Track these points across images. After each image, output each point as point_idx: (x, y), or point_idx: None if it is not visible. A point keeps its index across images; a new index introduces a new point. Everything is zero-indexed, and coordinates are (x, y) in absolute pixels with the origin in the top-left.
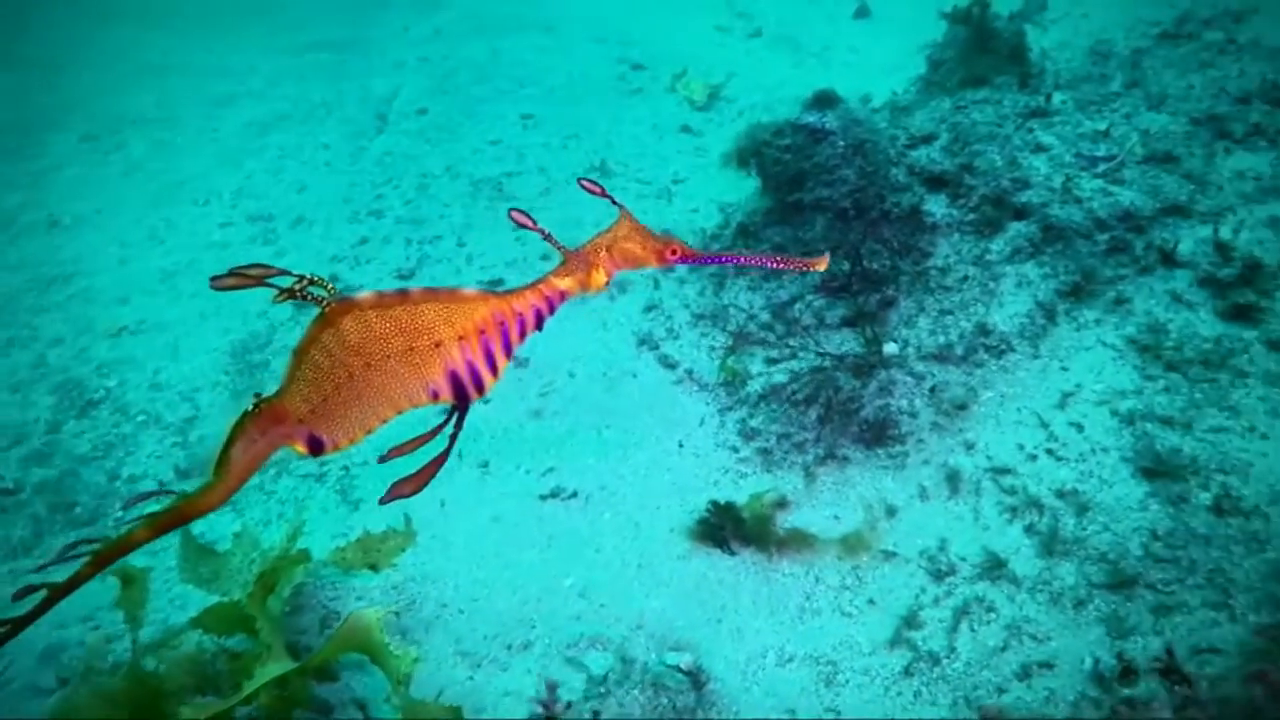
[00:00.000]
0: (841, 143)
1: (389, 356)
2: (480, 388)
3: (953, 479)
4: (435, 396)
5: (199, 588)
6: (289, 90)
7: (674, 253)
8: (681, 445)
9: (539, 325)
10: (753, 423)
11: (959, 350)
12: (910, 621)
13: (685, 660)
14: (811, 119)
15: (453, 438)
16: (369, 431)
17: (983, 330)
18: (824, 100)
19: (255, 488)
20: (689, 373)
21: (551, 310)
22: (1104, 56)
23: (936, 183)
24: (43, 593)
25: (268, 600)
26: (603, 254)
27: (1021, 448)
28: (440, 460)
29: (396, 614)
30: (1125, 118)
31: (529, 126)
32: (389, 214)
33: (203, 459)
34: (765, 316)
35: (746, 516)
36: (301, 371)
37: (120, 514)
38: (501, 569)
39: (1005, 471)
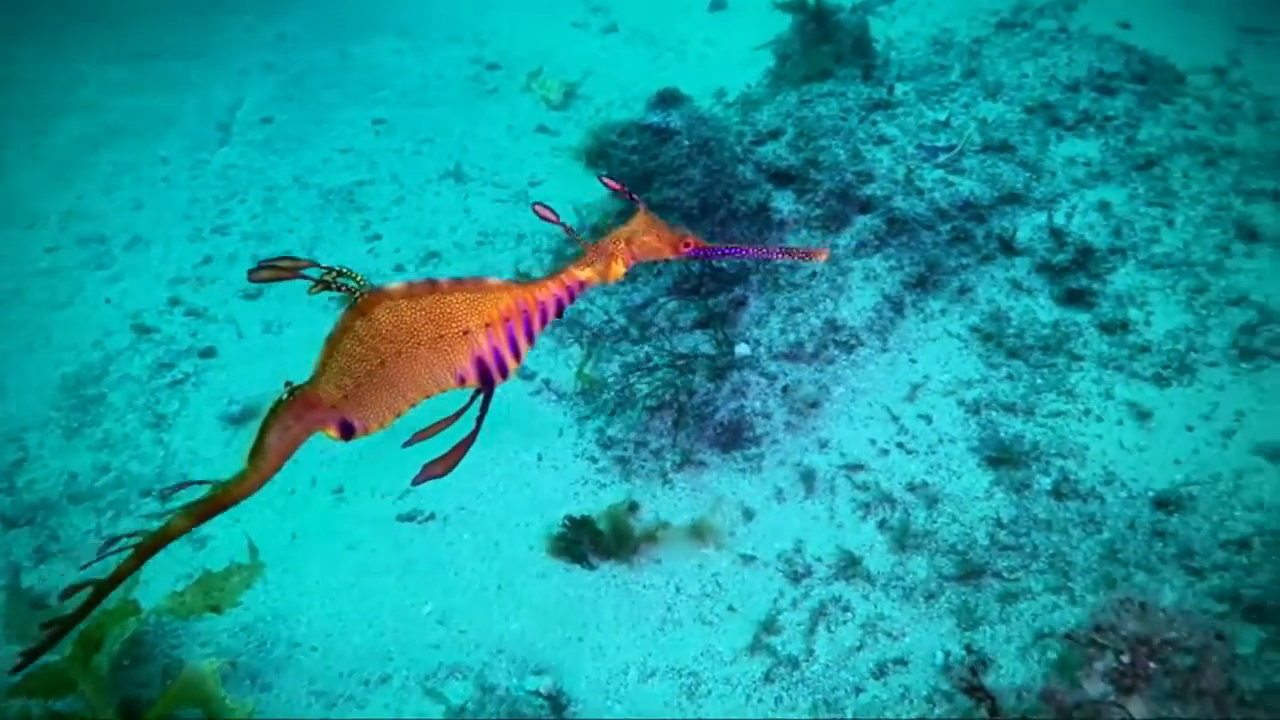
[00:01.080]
0: (686, 142)
1: (419, 344)
2: (504, 372)
3: (808, 478)
4: (462, 381)
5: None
6: (123, 101)
7: (688, 245)
8: (540, 458)
9: (559, 313)
10: (610, 431)
11: (809, 348)
12: (769, 626)
13: (545, 684)
14: (655, 118)
15: (479, 420)
16: (398, 415)
17: (832, 326)
18: (668, 99)
19: (93, 530)
20: (546, 382)
21: (572, 299)
22: (945, 46)
23: (783, 179)
24: (88, 590)
25: (94, 658)
26: (621, 246)
27: (873, 443)
28: (468, 441)
29: (233, 664)
30: (964, 107)
31: (381, 132)
32: (234, 230)
33: (30, 504)
34: (621, 321)
35: (604, 529)
36: (334, 359)
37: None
38: (357, 600)
39: (858, 468)
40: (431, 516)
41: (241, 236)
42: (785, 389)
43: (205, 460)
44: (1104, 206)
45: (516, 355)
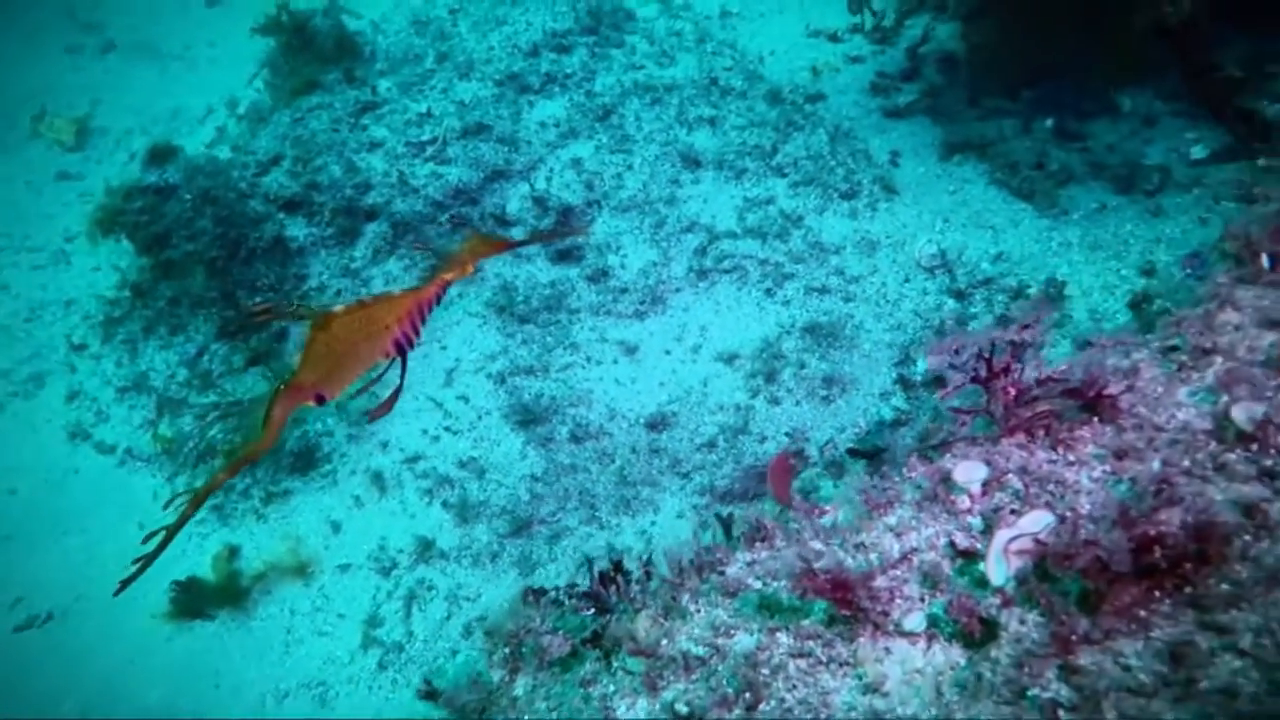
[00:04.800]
0: (188, 195)
1: (361, 339)
2: (411, 345)
3: (378, 480)
4: (386, 355)
5: None
6: None
7: (506, 244)
8: (142, 526)
9: (439, 301)
10: (198, 484)
11: None
12: (373, 621)
13: None
14: (153, 178)
15: (402, 375)
16: (349, 384)
17: None
18: (161, 155)
19: None
20: (129, 451)
21: (444, 291)
22: (424, 24)
23: (292, 206)
24: (161, 534)
25: None
26: (466, 255)
27: (425, 432)
28: (399, 391)
29: None
30: (442, 93)
31: None
32: None
33: None
34: (183, 374)
35: (211, 582)
36: (308, 358)
37: None
38: None
39: (417, 459)
40: (50, 616)
41: None
42: (337, 405)
43: None
44: (576, 164)
45: (417, 333)
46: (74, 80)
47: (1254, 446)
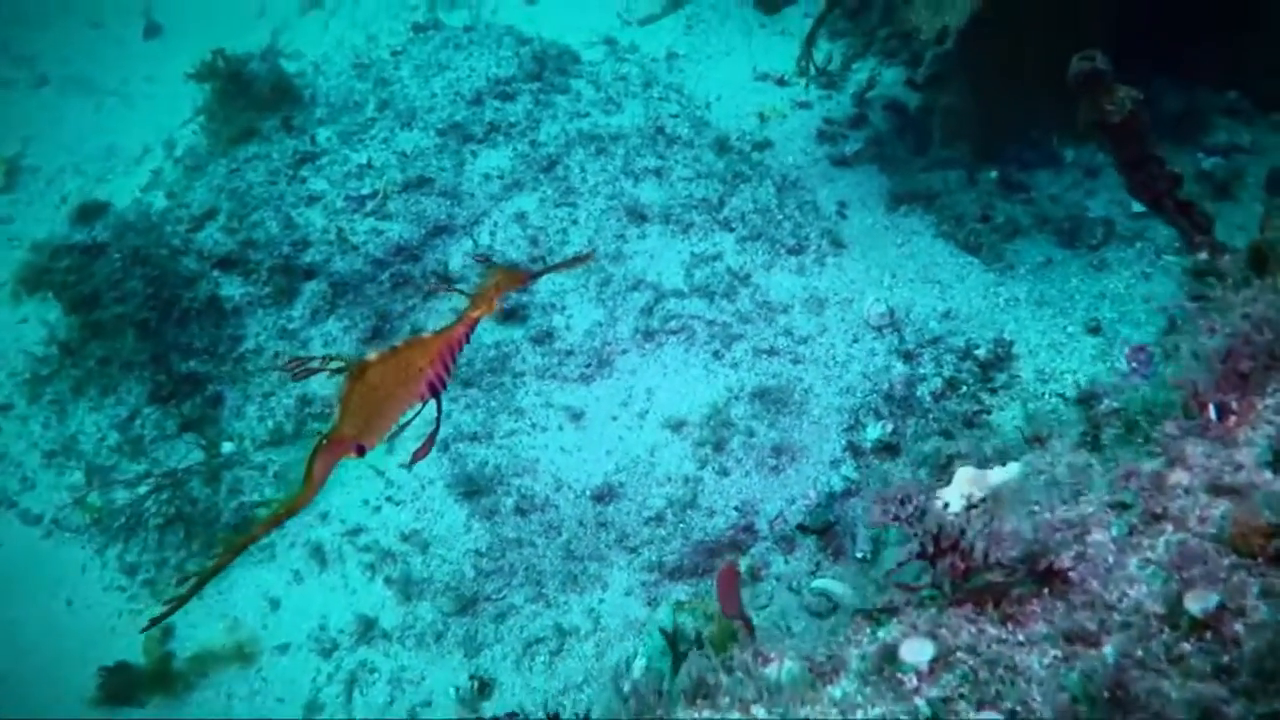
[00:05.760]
0: (117, 255)
1: (396, 385)
2: (444, 385)
3: (318, 553)
4: (421, 398)
5: None
6: None
7: (528, 276)
8: (70, 602)
9: (468, 339)
10: (129, 558)
11: (289, 428)
12: (312, 707)
13: None
14: (80, 236)
15: (438, 416)
16: (388, 430)
17: (304, 401)
18: (90, 212)
19: None
20: (56, 523)
21: (473, 329)
22: (365, 67)
23: (227, 264)
24: (194, 579)
25: None
26: (491, 290)
27: (366, 503)
28: (436, 432)
29: None
30: (384, 143)
31: None
32: None
33: None
34: (114, 438)
35: (142, 665)
36: (346, 409)
37: None
38: None
39: (358, 531)
40: None
41: None
42: (276, 475)
43: None
44: (521, 217)
45: (449, 372)
46: (4, 116)
47: (1209, 636)
